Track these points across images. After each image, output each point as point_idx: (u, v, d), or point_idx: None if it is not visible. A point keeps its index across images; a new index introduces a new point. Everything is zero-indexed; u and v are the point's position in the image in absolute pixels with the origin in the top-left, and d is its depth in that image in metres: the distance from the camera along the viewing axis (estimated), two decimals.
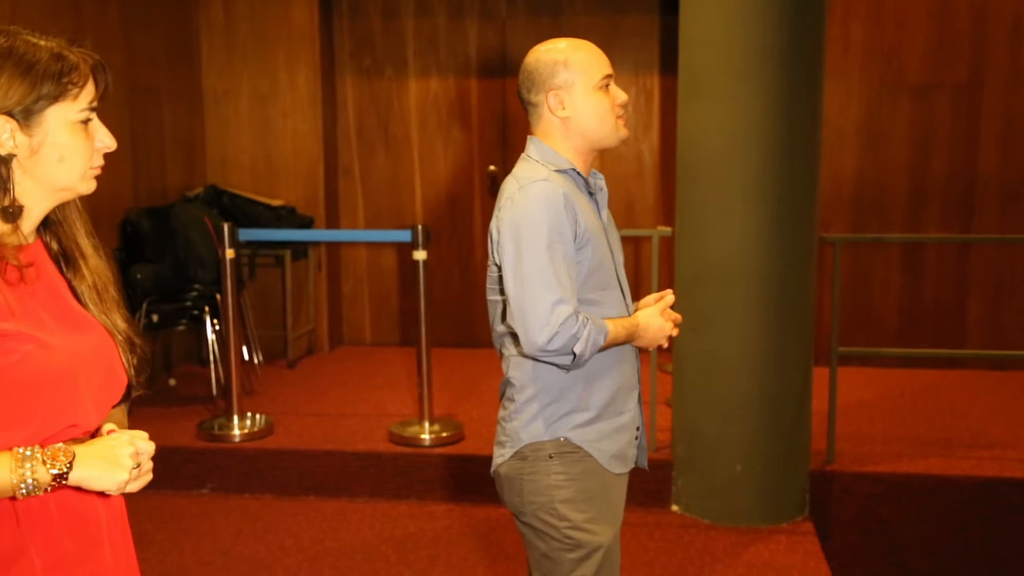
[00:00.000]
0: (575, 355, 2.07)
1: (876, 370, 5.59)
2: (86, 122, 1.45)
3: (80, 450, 1.35)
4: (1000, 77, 5.57)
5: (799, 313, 3.93)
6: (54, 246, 1.51)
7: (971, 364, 5.68)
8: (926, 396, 5.22)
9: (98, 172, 1.48)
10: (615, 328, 2.14)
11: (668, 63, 5.79)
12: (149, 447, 1.42)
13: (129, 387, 1.55)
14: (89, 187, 1.47)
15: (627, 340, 2.19)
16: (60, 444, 1.35)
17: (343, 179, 6.30)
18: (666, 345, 2.26)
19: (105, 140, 1.47)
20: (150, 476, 1.44)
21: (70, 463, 1.32)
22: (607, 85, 2.18)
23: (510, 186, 2.15)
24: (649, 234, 4.39)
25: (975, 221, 5.68)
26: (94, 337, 1.48)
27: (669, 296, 2.27)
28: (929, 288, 5.81)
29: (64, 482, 1.33)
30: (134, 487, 1.41)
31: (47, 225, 1.51)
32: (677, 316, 2.26)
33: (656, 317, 2.21)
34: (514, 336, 2.18)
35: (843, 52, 5.63)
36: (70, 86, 1.41)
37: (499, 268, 2.16)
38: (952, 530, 4.08)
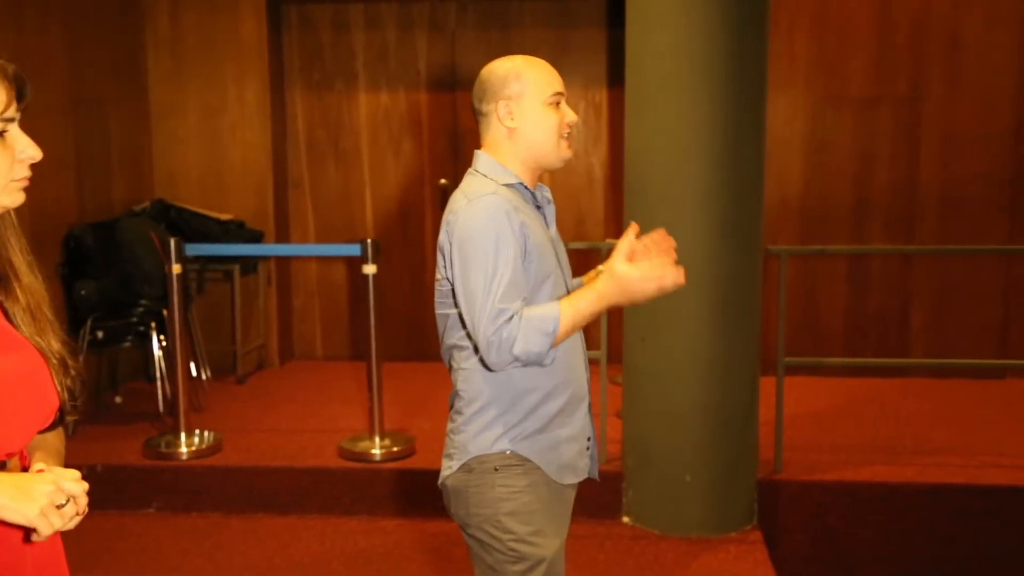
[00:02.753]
0: (516, 358, 2.04)
1: (822, 379, 5.67)
2: (2, 133, 1.40)
3: None
4: (939, 91, 5.70)
5: (746, 324, 3.98)
6: None
7: (915, 372, 5.78)
8: (871, 404, 5.30)
9: (24, 184, 1.44)
10: (573, 302, 2.05)
11: (617, 77, 5.83)
12: (78, 488, 1.33)
13: (62, 410, 1.50)
14: (14, 200, 1.43)
15: (602, 301, 2.06)
16: None
17: (293, 193, 6.26)
18: (672, 284, 2.05)
19: (28, 151, 1.42)
20: (80, 517, 1.35)
21: None
22: (558, 103, 2.20)
23: (458, 201, 2.15)
24: (599, 246, 4.42)
25: (916, 232, 5.79)
26: (23, 359, 1.45)
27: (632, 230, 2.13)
28: (873, 298, 5.91)
29: None
30: (61, 524, 1.31)
31: None
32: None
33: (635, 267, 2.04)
34: (461, 349, 2.18)
35: (788, 65, 5.72)
36: None
37: (450, 282, 2.15)
38: (898, 536, 4.15)
